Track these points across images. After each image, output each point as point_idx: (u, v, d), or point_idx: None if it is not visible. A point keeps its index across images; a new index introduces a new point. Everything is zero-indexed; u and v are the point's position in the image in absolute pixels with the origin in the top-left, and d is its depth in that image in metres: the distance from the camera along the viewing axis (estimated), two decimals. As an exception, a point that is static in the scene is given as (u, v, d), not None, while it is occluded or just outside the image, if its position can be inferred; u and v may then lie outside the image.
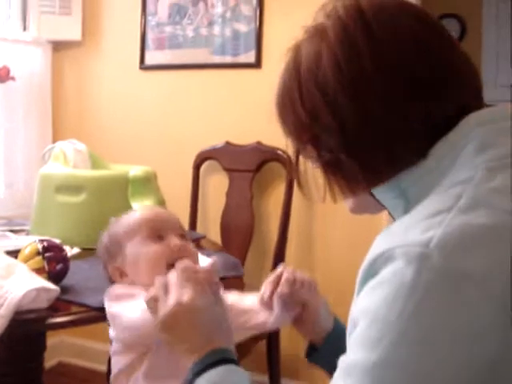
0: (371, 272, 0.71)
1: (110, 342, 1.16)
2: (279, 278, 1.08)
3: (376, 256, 0.71)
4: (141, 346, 1.08)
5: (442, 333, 0.64)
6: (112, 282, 1.21)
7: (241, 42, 2.75)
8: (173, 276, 0.94)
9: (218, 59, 2.80)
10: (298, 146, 0.88)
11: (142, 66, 2.95)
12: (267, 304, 1.08)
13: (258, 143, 2.68)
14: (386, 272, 0.69)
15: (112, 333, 1.13)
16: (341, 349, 1.05)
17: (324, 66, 0.80)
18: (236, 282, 1.60)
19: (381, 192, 0.83)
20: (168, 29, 2.89)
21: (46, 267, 1.32)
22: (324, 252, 2.66)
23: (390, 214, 0.86)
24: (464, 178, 0.73)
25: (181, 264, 0.96)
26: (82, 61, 3.08)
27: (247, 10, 2.72)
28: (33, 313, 1.22)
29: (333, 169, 0.83)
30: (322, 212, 2.65)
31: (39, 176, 1.94)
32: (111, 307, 1.12)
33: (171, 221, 1.22)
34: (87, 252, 1.68)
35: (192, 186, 2.80)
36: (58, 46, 3.06)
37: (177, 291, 0.91)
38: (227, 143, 2.75)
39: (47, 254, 1.34)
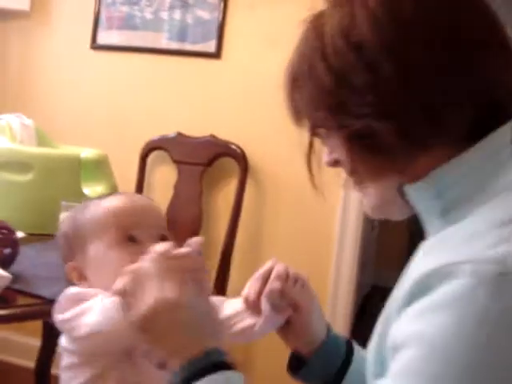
0: (421, 289, 0.61)
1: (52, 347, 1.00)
2: (268, 273, 0.93)
3: (430, 271, 0.60)
4: (105, 356, 0.90)
5: None
6: (70, 280, 1.00)
7: (202, 30, 2.62)
8: (148, 265, 0.77)
9: (175, 45, 2.67)
10: (314, 121, 0.77)
11: (94, 45, 2.80)
12: (253, 305, 0.92)
13: (212, 136, 2.58)
14: (447, 292, 0.58)
15: (66, 343, 0.92)
16: (332, 364, 0.95)
17: (359, 24, 0.72)
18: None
19: (414, 191, 0.73)
20: (124, 8, 2.73)
21: (-7, 251, 1.18)
22: (273, 254, 2.56)
23: (419, 218, 0.76)
24: None
25: (156, 249, 0.79)
26: (30, 33, 2.89)
27: (212, -4, 2.61)
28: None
29: (361, 140, 0.72)
30: (272, 213, 2.56)
31: (-19, 150, 1.77)
32: (65, 313, 0.90)
33: (149, 216, 1.01)
34: (33, 237, 1.53)
35: (137, 177, 2.68)
36: (4, 16, 2.88)
37: (156, 285, 0.75)
38: (179, 134, 2.63)
39: (-6, 237, 1.20)
